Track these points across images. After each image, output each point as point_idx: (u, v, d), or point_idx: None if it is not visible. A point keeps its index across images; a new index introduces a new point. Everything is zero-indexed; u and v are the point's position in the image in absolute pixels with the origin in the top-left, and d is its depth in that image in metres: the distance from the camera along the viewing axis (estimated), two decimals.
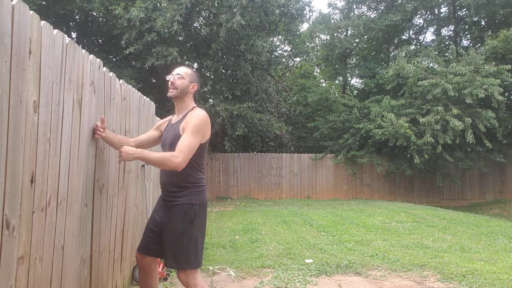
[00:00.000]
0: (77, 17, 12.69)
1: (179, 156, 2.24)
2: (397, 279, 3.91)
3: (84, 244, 2.19)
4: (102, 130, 2.33)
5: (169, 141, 2.46)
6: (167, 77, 2.52)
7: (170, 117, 2.71)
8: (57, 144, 1.77)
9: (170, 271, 3.84)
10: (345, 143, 13.70)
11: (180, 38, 11.94)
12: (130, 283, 3.38)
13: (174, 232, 2.34)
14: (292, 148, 16.60)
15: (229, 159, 13.94)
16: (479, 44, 15.41)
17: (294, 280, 3.77)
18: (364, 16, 17.01)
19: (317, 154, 14.15)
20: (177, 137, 2.39)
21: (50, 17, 11.08)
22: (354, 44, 17.45)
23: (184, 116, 2.46)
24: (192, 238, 2.35)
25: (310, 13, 15.63)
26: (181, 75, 2.46)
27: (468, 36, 16.81)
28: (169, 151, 2.43)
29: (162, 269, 3.66)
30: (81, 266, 2.16)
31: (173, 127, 2.51)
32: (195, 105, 2.55)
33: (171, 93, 2.46)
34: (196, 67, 13.77)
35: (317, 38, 18.92)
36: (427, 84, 11.98)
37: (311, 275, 3.95)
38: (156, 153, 2.32)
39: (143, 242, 2.55)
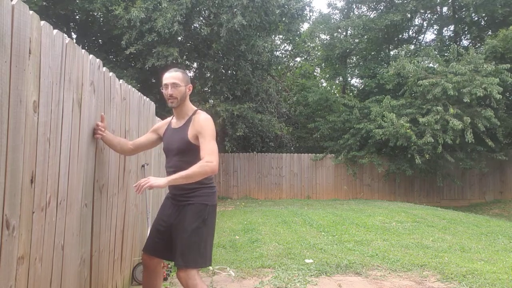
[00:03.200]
0: (77, 17, 12.69)
1: (213, 160, 2.27)
2: (397, 279, 3.91)
3: (84, 244, 2.19)
4: (103, 129, 2.34)
5: (177, 146, 2.44)
6: (161, 88, 2.49)
7: (168, 120, 2.68)
8: (57, 144, 1.78)
9: (170, 271, 3.84)
10: (346, 143, 13.70)
11: (180, 38, 11.94)
12: (130, 283, 3.38)
13: (186, 231, 2.34)
14: (292, 148, 16.61)
15: (229, 159, 13.95)
16: (479, 44, 15.42)
17: (294, 280, 3.77)
18: (364, 16, 17.02)
19: (317, 155, 14.16)
20: (185, 142, 2.39)
21: (51, 17, 11.08)
22: (354, 44, 17.45)
23: (189, 120, 2.45)
24: (203, 238, 2.36)
25: (311, 13, 15.64)
26: (177, 83, 2.43)
27: (468, 36, 16.83)
28: (177, 156, 2.43)
29: (162, 269, 3.66)
30: (81, 266, 2.16)
31: (177, 131, 2.49)
32: (194, 107, 2.55)
33: (172, 103, 2.44)
34: (196, 67, 13.77)
35: (317, 38, 18.92)
36: (427, 83, 11.98)
37: (311, 275, 3.95)
38: (191, 169, 2.24)
39: (150, 244, 2.54)
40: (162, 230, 2.48)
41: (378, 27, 15.69)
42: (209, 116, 2.46)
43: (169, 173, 2.46)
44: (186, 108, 2.51)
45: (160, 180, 2.24)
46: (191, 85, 2.53)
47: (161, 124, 2.71)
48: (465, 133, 11.42)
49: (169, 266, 3.95)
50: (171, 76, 2.45)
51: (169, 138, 2.54)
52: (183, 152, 2.41)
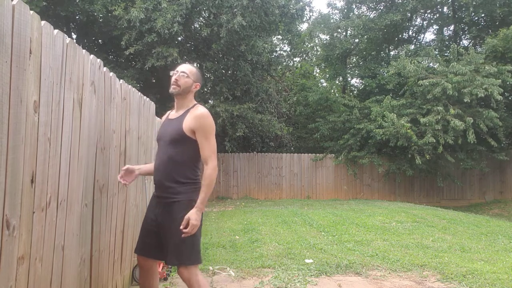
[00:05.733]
0: (77, 17, 12.68)
1: (209, 163, 2.36)
2: (397, 279, 3.92)
3: (84, 244, 2.19)
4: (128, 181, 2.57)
5: (170, 135, 2.43)
6: (171, 73, 2.51)
7: (166, 114, 2.69)
8: (57, 144, 1.78)
9: (170, 271, 3.84)
10: (346, 143, 13.70)
11: (180, 39, 11.94)
12: (130, 283, 3.38)
13: (175, 229, 2.32)
14: (292, 149, 16.62)
15: (229, 159, 13.95)
16: (479, 44, 15.44)
17: (294, 280, 3.77)
18: (363, 16, 17.03)
19: (318, 155, 14.17)
20: (179, 132, 2.39)
21: (51, 17, 11.07)
22: (354, 44, 17.45)
23: (186, 112, 2.45)
24: (193, 235, 2.35)
25: (311, 13, 15.64)
26: (186, 74, 2.45)
27: (468, 35, 16.85)
28: (169, 146, 2.41)
29: (162, 269, 3.66)
30: (81, 266, 2.16)
31: (173, 121, 2.48)
32: (195, 101, 2.55)
33: (173, 89, 2.45)
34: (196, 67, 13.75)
35: (316, 38, 18.92)
36: (427, 83, 11.99)
37: (311, 275, 3.95)
38: (204, 186, 2.35)
39: (141, 244, 2.53)
40: (151, 230, 2.47)
41: (378, 27, 15.68)
42: (206, 111, 2.44)
43: (156, 164, 2.49)
44: (187, 102, 2.51)
45: (198, 216, 2.31)
46: (199, 83, 2.54)
47: (161, 125, 2.72)
48: (467, 133, 11.42)
49: (169, 266, 3.95)
50: (184, 66, 2.51)
51: (164, 127, 2.55)
52: (175, 142, 2.40)
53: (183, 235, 2.27)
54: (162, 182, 2.42)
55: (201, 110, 2.43)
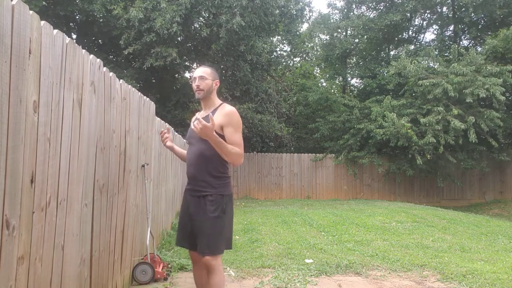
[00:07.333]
0: (77, 17, 12.68)
1: (241, 155, 2.53)
2: (397, 279, 3.91)
3: (84, 244, 2.19)
4: (171, 139, 2.77)
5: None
6: (190, 82, 2.65)
7: (195, 115, 2.82)
8: (57, 144, 1.77)
9: (170, 271, 3.84)
10: (346, 143, 13.70)
11: (179, 39, 11.94)
12: (130, 283, 3.38)
13: (207, 222, 2.45)
14: (292, 149, 16.62)
15: None
16: (480, 43, 15.43)
17: (294, 280, 3.77)
18: (363, 16, 17.03)
19: (318, 155, 14.16)
20: None
21: (51, 17, 11.07)
22: (354, 44, 17.44)
23: (214, 110, 2.60)
24: (224, 226, 2.49)
25: (310, 13, 15.64)
26: (204, 76, 2.60)
27: (468, 36, 16.85)
28: (199, 143, 2.54)
29: (162, 269, 3.66)
30: (81, 266, 2.16)
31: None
32: (220, 101, 2.71)
33: (198, 95, 2.62)
34: (195, 68, 13.76)
35: (316, 38, 18.91)
36: (427, 84, 11.99)
37: (311, 275, 3.95)
38: (230, 147, 2.43)
39: (178, 237, 2.69)
40: (185, 222, 2.61)
41: (378, 27, 15.68)
42: (234, 108, 2.61)
43: (188, 159, 2.62)
44: (213, 101, 2.67)
45: (210, 132, 2.36)
46: (218, 80, 2.71)
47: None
48: (468, 133, 11.42)
49: (169, 266, 3.96)
50: (199, 70, 2.65)
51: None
52: (204, 140, 2.50)
53: (194, 127, 2.38)
54: (196, 176, 2.55)
55: (229, 107, 2.60)
